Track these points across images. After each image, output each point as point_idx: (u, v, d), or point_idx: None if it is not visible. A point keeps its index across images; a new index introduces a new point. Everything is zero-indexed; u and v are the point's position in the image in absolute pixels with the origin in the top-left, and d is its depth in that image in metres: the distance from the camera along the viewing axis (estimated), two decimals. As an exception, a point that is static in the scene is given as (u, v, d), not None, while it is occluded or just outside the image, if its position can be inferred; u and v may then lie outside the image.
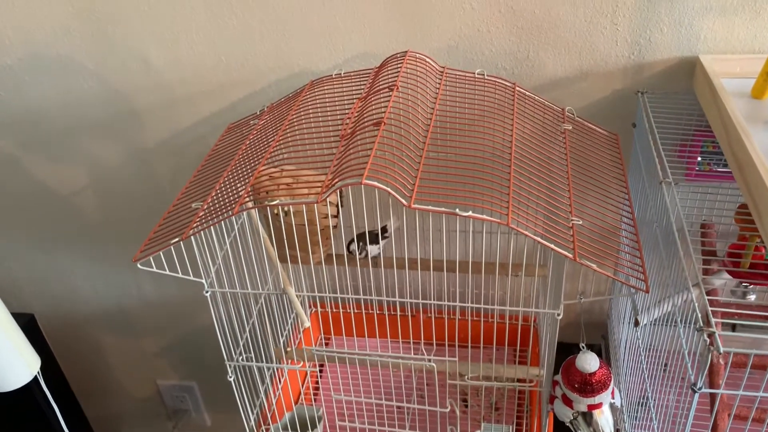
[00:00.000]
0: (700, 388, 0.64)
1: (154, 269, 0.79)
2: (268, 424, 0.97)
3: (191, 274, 0.81)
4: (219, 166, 0.92)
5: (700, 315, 0.64)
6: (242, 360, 0.89)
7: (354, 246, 1.01)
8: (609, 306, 1.25)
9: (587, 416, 0.78)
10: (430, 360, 0.83)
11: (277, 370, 1.06)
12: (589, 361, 0.75)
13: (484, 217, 0.68)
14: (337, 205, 0.99)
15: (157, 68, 1.13)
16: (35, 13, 1.10)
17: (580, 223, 0.73)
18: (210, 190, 0.84)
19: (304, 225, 0.93)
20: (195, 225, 0.77)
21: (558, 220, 0.73)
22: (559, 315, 0.76)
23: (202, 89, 1.15)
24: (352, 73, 0.97)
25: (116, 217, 1.36)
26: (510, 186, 0.73)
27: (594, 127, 0.95)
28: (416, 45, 1.02)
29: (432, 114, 0.85)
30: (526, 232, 0.69)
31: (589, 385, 0.76)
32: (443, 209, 0.68)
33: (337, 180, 0.72)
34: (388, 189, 0.69)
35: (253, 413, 0.96)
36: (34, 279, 1.50)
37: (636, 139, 1.02)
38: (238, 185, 0.88)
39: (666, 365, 0.92)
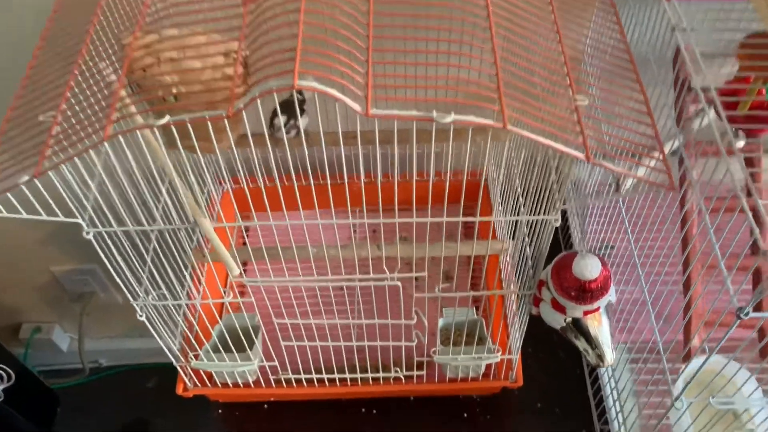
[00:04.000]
0: (747, 314, 0.52)
1: (5, 214, 0.57)
2: (196, 350, 0.81)
3: (60, 213, 0.59)
4: (68, 40, 0.65)
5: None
6: (152, 299, 0.70)
7: (279, 121, 0.79)
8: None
9: (580, 323, 0.66)
10: (393, 278, 0.67)
11: (199, 267, 0.88)
12: (589, 268, 0.62)
13: (477, 120, 0.48)
14: (245, 72, 0.75)
15: None
16: None
17: (586, 103, 0.55)
18: (62, 86, 0.59)
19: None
20: (49, 154, 0.53)
21: (556, 101, 0.55)
22: (556, 221, 0.60)
23: None
24: None
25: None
26: (497, 63, 0.53)
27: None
28: None
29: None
30: (526, 132, 0.50)
31: (588, 293, 0.63)
32: (415, 114, 0.48)
33: (255, 83, 0.49)
34: (333, 92, 0.47)
35: (176, 342, 0.80)
36: None
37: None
38: (106, 69, 0.62)
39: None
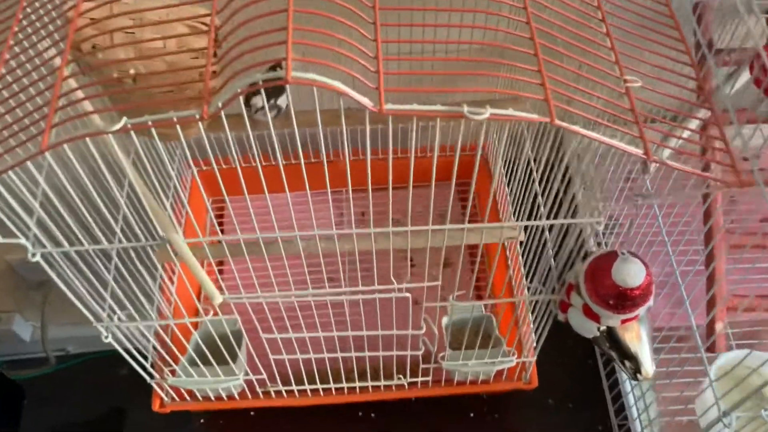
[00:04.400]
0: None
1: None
2: (171, 366, 0.71)
3: (-2, 233, 0.48)
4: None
5: None
6: (118, 320, 0.60)
7: (259, 101, 0.68)
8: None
9: (616, 334, 0.58)
10: (403, 289, 0.58)
11: (167, 274, 0.78)
12: (633, 274, 0.53)
13: (518, 115, 0.38)
14: (216, 46, 0.63)
15: None
16: None
17: (639, 84, 0.45)
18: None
19: (171, 90, 0.59)
20: (-26, 167, 0.42)
21: (603, 83, 0.45)
22: (599, 224, 0.51)
23: None
24: None
25: None
26: (536, 48, 0.42)
27: None
28: None
29: None
30: (577, 128, 0.40)
31: (629, 301, 0.54)
32: (442, 109, 0.38)
33: (237, 73, 0.38)
34: (338, 85, 0.37)
35: (148, 358, 0.70)
36: None
37: None
38: (45, 48, 0.51)
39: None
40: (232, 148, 0.53)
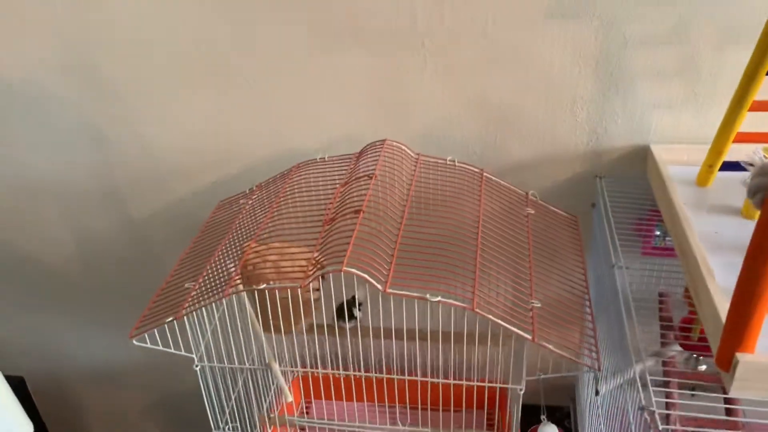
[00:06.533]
0: (644, 461, 0.71)
1: (148, 345, 0.85)
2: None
3: (182, 348, 0.87)
4: (210, 244, 0.99)
5: (642, 394, 0.71)
6: (229, 430, 0.94)
7: (355, 311, 1.08)
8: (577, 369, 1.32)
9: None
10: None
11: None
12: (548, 432, 0.82)
13: (452, 302, 0.75)
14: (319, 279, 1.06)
15: (153, 144, 1.21)
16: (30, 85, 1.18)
17: (539, 306, 0.81)
18: (201, 269, 0.91)
19: (288, 298, 1.00)
20: (188, 305, 0.83)
21: (519, 303, 0.81)
22: (521, 390, 0.83)
23: (195, 164, 1.23)
24: (335, 158, 1.05)
25: (107, 281, 1.42)
26: (476, 271, 0.81)
27: (555, 210, 1.03)
28: (393, 130, 1.11)
29: (407, 200, 0.93)
30: (489, 316, 0.76)
31: (550, 454, 0.83)
32: (415, 294, 0.76)
33: (318, 267, 0.79)
34: (366, 276, 0.76)
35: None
36: (23, 341, 1.55)
37: (595, 218, 1.11)
38: (229, 264, 0.95)
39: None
40: (316, 356, 0.92)
